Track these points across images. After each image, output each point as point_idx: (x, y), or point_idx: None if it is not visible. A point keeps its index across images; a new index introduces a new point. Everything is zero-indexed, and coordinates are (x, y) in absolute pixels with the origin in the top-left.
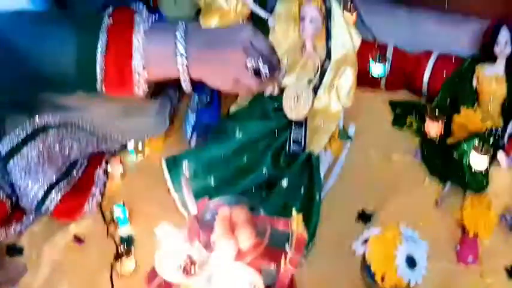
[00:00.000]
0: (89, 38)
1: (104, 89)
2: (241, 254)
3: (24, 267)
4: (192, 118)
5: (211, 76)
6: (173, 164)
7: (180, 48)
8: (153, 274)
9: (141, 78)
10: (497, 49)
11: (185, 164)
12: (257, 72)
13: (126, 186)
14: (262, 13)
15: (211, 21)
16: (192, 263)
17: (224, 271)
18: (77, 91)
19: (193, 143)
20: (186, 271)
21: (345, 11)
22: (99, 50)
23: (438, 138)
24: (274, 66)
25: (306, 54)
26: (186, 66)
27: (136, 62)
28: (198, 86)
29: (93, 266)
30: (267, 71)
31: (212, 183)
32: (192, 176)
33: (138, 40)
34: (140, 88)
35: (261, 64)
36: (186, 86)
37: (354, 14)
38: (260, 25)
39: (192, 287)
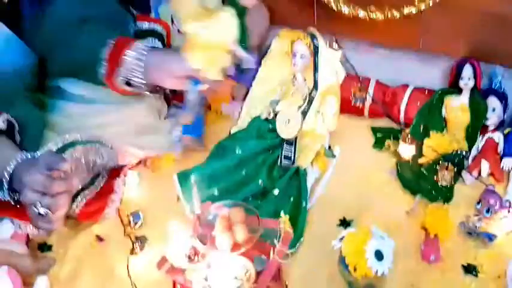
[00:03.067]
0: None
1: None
2: (236, 246)
3: (53, 260)
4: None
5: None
6: (183, 177)
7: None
8: (163, 261)
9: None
10: (462, 83)
11: (193, 177)
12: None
13: (141, 195)
14: (242, 53)
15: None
16: (196, 252)
17: (222, 258)
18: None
19: (176, 152)
20: (191, 259)
21: (330, 49)
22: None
23: (411, 159)
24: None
25: (297, 85)
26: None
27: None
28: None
29: (112, 260)
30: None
31: (216, 193)
32: (198, 187)
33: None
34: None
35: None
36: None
37: (339, 51)
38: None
39: (195, 270)
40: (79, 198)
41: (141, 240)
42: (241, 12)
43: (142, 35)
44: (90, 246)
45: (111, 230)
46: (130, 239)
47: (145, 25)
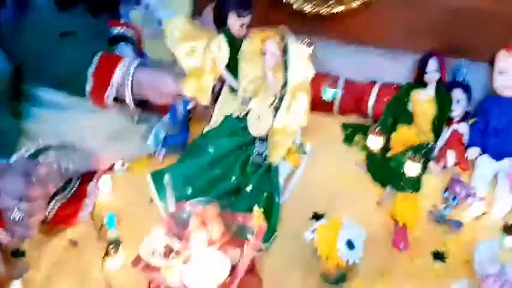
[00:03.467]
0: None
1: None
2: (211, 241)
3: (27, 265)
4: (161, 135)
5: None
6: (157, 177)
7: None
8: (138, 259)
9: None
10: (427, 76)
11: (167, 177)
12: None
13: (113, 198)
14: (232, 81)
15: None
16: (171, 249)
17: (197, 254)
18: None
19: (160, 157)
20: (166, 256)
21: (300, 47)
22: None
23: (380, 152)
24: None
25: (268, 82)
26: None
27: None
28: (173, 113)
29: (86, 263)
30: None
31: (190, 191)
32: (172, 186)
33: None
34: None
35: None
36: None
37: (309, 49)
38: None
39: (170, 267)
40: (52, 203)
41: (115, 242)
42: (232, 40)
43: (113, 40)
44: (64, 250)
45: (85, 234)
46: (104, 241)
47: (115, 30)
